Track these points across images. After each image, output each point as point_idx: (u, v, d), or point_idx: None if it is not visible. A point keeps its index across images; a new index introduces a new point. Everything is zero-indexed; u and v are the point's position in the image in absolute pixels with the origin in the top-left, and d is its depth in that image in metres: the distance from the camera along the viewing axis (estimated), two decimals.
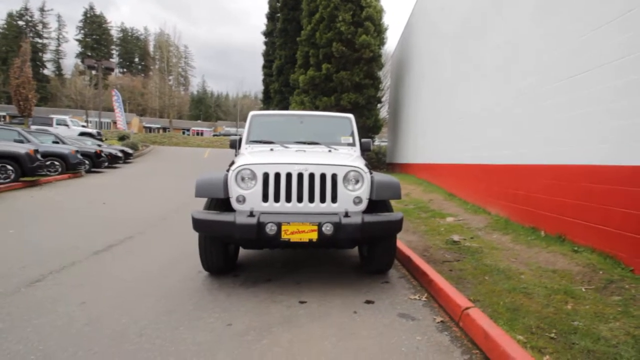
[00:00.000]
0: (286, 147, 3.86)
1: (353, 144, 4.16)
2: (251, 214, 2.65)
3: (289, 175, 2.82)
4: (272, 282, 3.00)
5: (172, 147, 29.79)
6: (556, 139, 4.01)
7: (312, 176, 2.83)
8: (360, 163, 3.09)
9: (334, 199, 2.83)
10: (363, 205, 2.87)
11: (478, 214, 5.61)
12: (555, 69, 4.13)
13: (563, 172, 3.82)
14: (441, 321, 2.36)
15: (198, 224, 2.67)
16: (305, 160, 2.91)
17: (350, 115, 4.41)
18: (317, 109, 13.23)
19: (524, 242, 4.03)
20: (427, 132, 9.87)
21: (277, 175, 2.82)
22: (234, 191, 2.80)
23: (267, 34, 20.63)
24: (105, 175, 11.73)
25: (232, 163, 2.94)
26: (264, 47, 21.61)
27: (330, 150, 3.76)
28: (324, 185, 2.84)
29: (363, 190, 2.88)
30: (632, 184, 2.97)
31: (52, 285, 2.85)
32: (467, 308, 2.26)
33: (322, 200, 2.83)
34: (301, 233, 2.61)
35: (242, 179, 2.83)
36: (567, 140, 3.83)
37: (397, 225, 2.81)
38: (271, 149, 3.75)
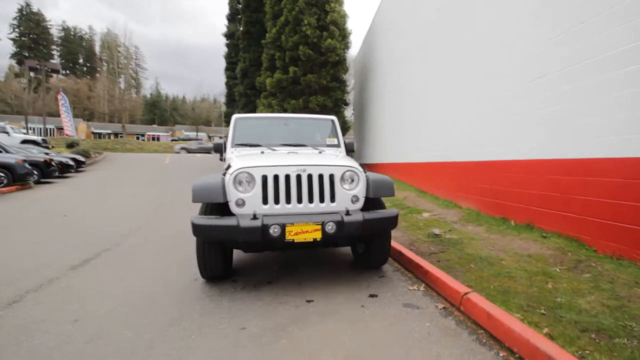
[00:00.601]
0: (274, 150, 3.87)
1: (338, 145, 4.26)
2: (254, 217, 2.64)
3: (287, 177, 2.85)
4: (273, 285, 3.00)
5: (127, 153, 28.06)
6: (522, 138, 4.41)
7: (310, 177, 2.89)
8: (355, 163, 3.20)
9: (332, 198, 2.91)
10: (360, 204, 2.97)
11: (451, 209, 5.98)
12: (515, 75, 4.54)
13: (529, 166, 4.22)
14: (443, 307, 2.52)
15: (199, 229, 2.61)
16: (302, 162, 2.95)
17: (334, 117, 4.51)
18: (285, 111, 13.22)
19: (497, 231, 4.38)
20: (395, 133, 10.28)
21: (276, 178, 2.84)
22: (233, 195, 2.78)
23: (228, 35, 20.22)
24: (58, 186, 10.79)
25: (229, 167, 2.90)
26: (225, 49, 21.18)
27: (320, 152, 3.83)
28: (322, 186, 2.90)
29: (359, 189, 2.98)
30: (591, 174, 3.36)
31: (34, 305, 2.62)
32: (466, 293, 2.45)
33: (322, 200, 2.89)
34: (305, 233, 2.65)
35: (240, 182, 2.82)
36: (531, 139, 4.23)
37: (394, 221, 2.95)
38: (262, 152, 3.74)
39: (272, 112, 13.29)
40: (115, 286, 3.01)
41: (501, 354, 1.93)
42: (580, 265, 3.08)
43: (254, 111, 16.42)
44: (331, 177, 2.93)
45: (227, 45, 20.66)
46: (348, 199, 2.94)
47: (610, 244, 3.14)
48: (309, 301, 2.66)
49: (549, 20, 4.00)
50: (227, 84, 21.44)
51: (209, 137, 51.95)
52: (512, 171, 4.52)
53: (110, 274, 3.33)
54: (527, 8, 4.40)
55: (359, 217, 2.76)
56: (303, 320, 2.36)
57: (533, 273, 3.00)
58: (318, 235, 2.67)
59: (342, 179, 2.96)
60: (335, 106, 13.62)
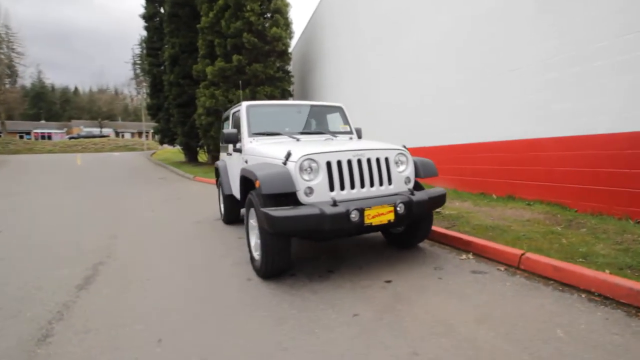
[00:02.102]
0: (295, 138, 3.76)
1: (351, 132, 4.33)
2: (335, 203, 2.59)
3: (349, 162, 2.85)
4: (337, 272, 2.97)
5: (14, 155, 23.23)
6: (504, 123, 5.08)
7: (369, 161, 2.93)
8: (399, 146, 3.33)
9: (389, 181, 3.01)
10: (411, 184, 3.14)
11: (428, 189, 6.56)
12: (491, 65, 5.20)
13: (511, 145, 4.91)
14: (505, 269, 2.86)
15: (282, 221, 2.44)
16: (359, 147, 2.98)
17: (342, 105, 4.55)
18: (230, 102, 12.54)
19: (485, 204, 5.01)
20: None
21: (339, 163, 2.81)
22: (301, 183, 2.67)
23: (147, 17, 17.93)
24: None
25: (289, 154, 2.74)
26: (144, 33, 18.74)
27: (351, 138, 3.85)
28: (380, 169, 2.97)
29: (410, 170, 3.14)
30: (567, 149, 4.11)
31: (74, 335, 2.14)
32: (523, 254, 2.83)
33: (381, 183, 2.96)
34: (380, 216, 2.70)
35: (305, 169, 2.72)
36: (513, 122, 4.92)
37: (445, 199, 3.19)
38: (297, 139, 3.59)
39: (217, 103, 12.48)
40: (161, 301, 2.63)
41: (583, 296, 2.32)
42: (573, 223, 3.77)
43: (190, 102, 15.09)
44: (387, 160, 3.02)
45: (147, 29, 18.35)
46: (402, 180, 3.08)
47: (589, 204, 3.91)
48: (387, 281, 2.73)
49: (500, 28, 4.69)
50: (150, 72, 19.12)
51: (117, 134, 45.87)
52: (493, 151, 5.19)
53: (136, 291, 2.87)
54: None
55: (424, 196, 2.91)
56: (404, 298, 2.43)
57: (543, 233, 3.56)
58: (392, 217, 2.75)
59: (395, 161, 3.08)
60: (282, 97, 13.41)
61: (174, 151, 23.27)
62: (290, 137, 3.82)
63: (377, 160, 2.97)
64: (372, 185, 2.92)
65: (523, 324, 2.01)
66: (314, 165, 2.74)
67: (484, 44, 5.30)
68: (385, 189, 2.97)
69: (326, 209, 2.50)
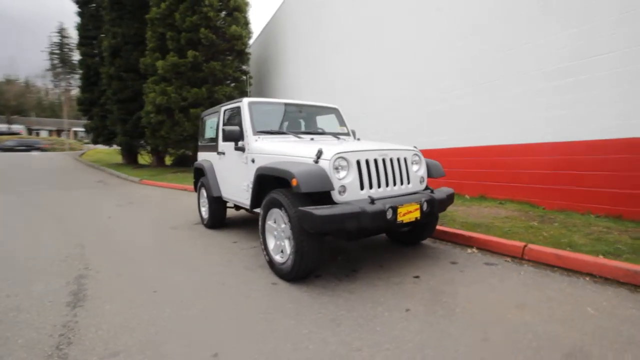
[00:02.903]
0: (301, 137, 3.71)
1: (348, 133, 4.39)
2: (372, 201, 2.60)
3: (375, 162, 2.90)
4: (361, 272, 2.96)
5: None
6: (473, 128, 5.58)
7: (391, 161, 3.01)
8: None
9: (408, 180, 3.12)
10: (425, 184, 3.29)
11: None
12: (465, 77, 5.69)
13: (481, 150, 5.41)
14: (511, 260, 3.14)
15: (326, 220, 2.37)
16: (381, 147, 3.04)
17: (337, 106, 4.58)
18: (184, 100, 11.78)
19: (461, 204, 5.44)
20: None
21: (367, 162, 2.84)
22: (335, 182, 2.64)
23: (82, 2, 15.89)
24: None
25: (320, 153, 2.69)
26: (78, 19, 16.48)
27: (359, 139, 3.88)
28: (400, 169, 3.07)
29: (423, 170, 3.29)
30: (534, 154, 4.68)
31: (134, 346, 1.84)
32: (526, 245, 3.14)
33: (402, 182, 3.06)
34: (409, 213, 2.79)
35: (337, 168, 2.70)
36: (481, 129, 5.43)
37: (454, 198, 3.40)
38: (311, 138, 3.52)
39: (169, 100, 11.59)
40: (185, 312, 2.37)
41: (587, 279, 2.66)
42: (545, 218, 4.29)
43: (135, 97, 13.77)
44: (405, 160, 3.13)
45: (81, 15, 16.26)
46: (417, 180, 3.22)
47: (555, 202, 4.49)
48: (415, 277, 2.82)
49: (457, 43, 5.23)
50: (83, 62, 16.93)
51: (30, 131, 39.79)
52: (465, 155, 5.67)
53: (148, 302, 2.55)
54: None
55: (443, 195, 3.08)
56: (440, 291, 2.53)
57: (524, 228, 3.99)
58: (418, 215, 2.85)
59: (412, 161, 3.21)
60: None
61: (109, 151, 20.98)
62: (296, 136, 3.75)
63: (398, 160, 3.07)
64: (394, 184, 3.00)
65: (557, 306, 2.24)
66: (344, 163, 2.73)
67: (456, 55, 5.79)
68: (405, 188, 3.07)
69: (367, 207, 2.50)
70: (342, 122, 4.44)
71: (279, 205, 2.77)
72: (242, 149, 3.69)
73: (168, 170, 14.26)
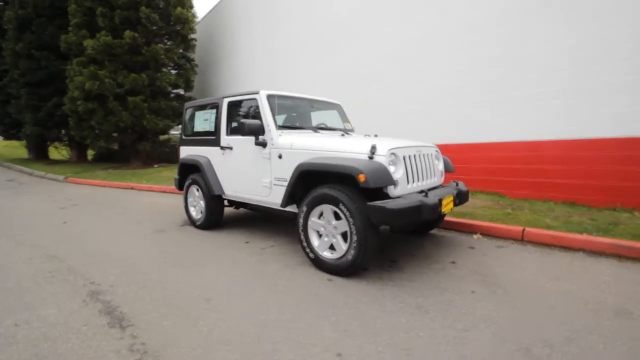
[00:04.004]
0: (319, 133, 3.72)
1: (352, 130, 4.50)
2: (425, 195, 2.77)
3: (414, 157, 3.08)
4: (399, 262, 3.12)
5: None
6: (446, 130, 6.16)
7: (423, 156, 3.23)
8: None
9: (434, 174, 3.38)
10: (443, 177, 3.60)
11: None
12: (441, 81, 6.24)
13: (449, 148, 6.01)
14: (514, 242, 3.64)
15: (395, 213, 2.46)
16: (416, 144, 3.24)
17: (339, 102, 4.64)
18: (121, 87, 10.43)
19: None
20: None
21: (409, 158, 3.01)
22: (392, 177, 2.75)
23: None
24: None
25: (374, 148, 2.75)
26: None
27: (370, 135, 3.98)
28: (430, 164, 3.31)
29: (441, 166, 3.60)
30: (498, 151, 5.42)
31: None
32: (524, 229, 3.67)
33: (430, 177, 3.31)
34: (448, 205, 3.04)
35: (390, 163, 2.81)
36: (453, 129, 6.04)
37: None
38: (332, 134, 3.51)
39: (102, 85, 10.11)
40: (260, 319, 2.25)
41: (581, 253, 3.25)
42: (515, 206, 5.02)
43: (50, 81, 11.61)
44: (432, 156, 3.38)
45: None
46: (439, 174, 3.51)
47: (519, 192, 5.28)
48: (452, 262, 3.09)
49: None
50: None
51: None
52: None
53: (208, 313, 2.34)
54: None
55: (465, 188, 3.41)
56: (481, 273, 2.83)
57: (503, 215, 4.62)
58: (452, 206, 3.13)
59: (435, 157, 3.48)
60: (187, 87, 11.97)
61: (8, 144, 17.35)
62: (315, 131, 3.72)
63: (428, 155, 3.30)
64: (425, 178, 3.23)
65: (582, 277, 2.72)
66: (394, 159, 2.85)
67: (419, 65, 6.31)
68: (432, 182, 3.33)
69: (426, 200, 2.67)
70: (345, 118, 4.51)
71: (333, 201, 2.75)
72: (262, 144, 3.52)
73: (95, 167, 12.49)
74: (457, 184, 3.45)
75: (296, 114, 4.03)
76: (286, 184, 3.29)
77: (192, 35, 12.15)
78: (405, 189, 2.87)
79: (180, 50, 11.62)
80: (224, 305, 2.37)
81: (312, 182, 3.06)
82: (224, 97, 4.11)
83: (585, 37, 4.61)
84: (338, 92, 7.62)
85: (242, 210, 5.28)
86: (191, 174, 4.54)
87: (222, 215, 4.43)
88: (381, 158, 2.73)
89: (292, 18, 9.46)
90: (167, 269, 3.09)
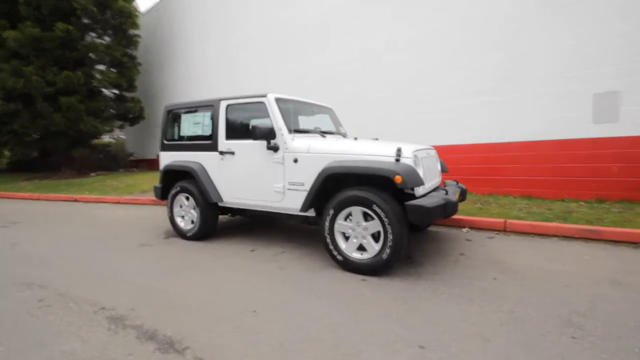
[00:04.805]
0: (324, 136, 3.79)
1: (345, 134, 4.63)
2: (447, 193, 3.00)
3: (425, 159, 3.32)
4: (414, 258, 3.31)
5: None
6: (417, 134, 6.63)
7: (431, 158, 3.50)
8: None
9: (436, 175, 3.67)
10: (441, 178, 3.92)
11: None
12: (421, 86, 6.69)
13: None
14: (499, 232, 4.10)
15: (432, 212, 2.64)
16: (423, 147, 3.48)
17: (331, 106, 4.73)
18: (51, 86, 9.14)
19: None
20: None
21: (423, 159, 3.24)
22: None
23: None
24: None
25: (400, 151, 2.89)
26: None
27: (355, 138, 4.13)
28: (434, 165, 3.59)
29: (440, 166, 3.91)
30: (474, 152, 6.04)
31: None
32: (506, 220, 4.16)
33: (435, 177, 3.59)
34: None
35: (415, 165, 2.99)
36: (431, 132, 6.54)
37: None
38: (338, 138, 3.58)
39: (28, 84, 8.72)
40: (312, 329, 2.24)
41: (555, 239, 3.79)
42: (482, 201, 5.60)
43: None
44: (435, 157, 3.67)
45: None
46: (439, 174, 3.81)
47: (483, 188, 5.93)
48: (461, 254, 3.38)
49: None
50: None
51: None
52: None
53: (259, 327, 2.25)
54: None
55: (465, 187, 3.75)
56: (492, 262, 3.15)
57: (476, 209, 5.15)
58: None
59: (436, 158, 3.78)
60: (130, 87, 10.90)
61: None
62: (323, 135, 3.76)
63: (433, 157, 3.57)
64: (435, 178, 3.49)
65: (569, 257, 3.19)
66: (417, 160, 3.03)
67: (400, 69, 6.75)
68: (437, 181, 3.61)
69: (449, 198, 2.90)
70: (338, 122, 4.61)
71: (365, 203, 2.82)
72: (274, 148, 3.44)
73: (14, 177, 10.68)
74: (456, 183, 3.78)
75: (298, 117, 4.01)
76: (303, 188, 3.27)
77: (135, 32, 11.15)
78: (424, 188, 3.08)
79: (122, 47, 10.57)
80: (274, 315, 2.28)
81: (331, 186, 3.10)
82: (220, 100, 3.91)
83: (510, 56, 5.41)
84: (309, 93, 7.68)
85: (223, 218, 5.01)
86: (178, 181, 4.21)
87: (216, 224, 4.19)
88: (407, 160, 2.89)
89: (251, 13, 9.27)
90: (182, 284, 2.84)
